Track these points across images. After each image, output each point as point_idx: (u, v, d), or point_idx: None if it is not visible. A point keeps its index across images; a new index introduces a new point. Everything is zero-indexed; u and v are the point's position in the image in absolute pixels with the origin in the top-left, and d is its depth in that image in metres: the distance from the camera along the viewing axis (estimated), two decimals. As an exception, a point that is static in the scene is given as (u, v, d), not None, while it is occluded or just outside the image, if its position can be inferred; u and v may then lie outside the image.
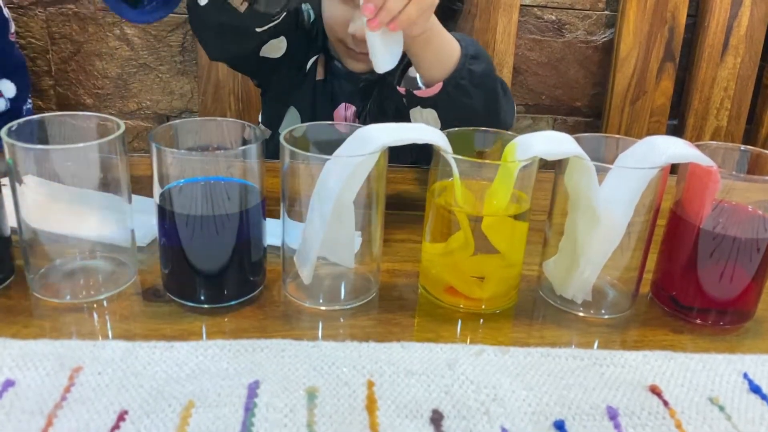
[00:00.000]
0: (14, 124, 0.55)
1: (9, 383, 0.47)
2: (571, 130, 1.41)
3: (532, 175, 0.58)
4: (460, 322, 0.60)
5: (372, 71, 1.02)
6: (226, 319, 0.58)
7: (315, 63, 1.01)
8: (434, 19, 0.73)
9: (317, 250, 0.56)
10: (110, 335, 0.54)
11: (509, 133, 0.60)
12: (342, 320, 0.59)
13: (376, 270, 0.62)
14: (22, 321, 0.56)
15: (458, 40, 0.73)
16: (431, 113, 0.77)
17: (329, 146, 0.57)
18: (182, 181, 0.56)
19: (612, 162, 0.58)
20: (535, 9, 1.31)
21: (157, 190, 0.57)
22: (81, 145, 0.55)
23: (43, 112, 1.26)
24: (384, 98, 0.95)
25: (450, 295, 0.61)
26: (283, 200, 0.59)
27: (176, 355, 0.51)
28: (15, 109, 1.07)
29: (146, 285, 0.62)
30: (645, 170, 0.56)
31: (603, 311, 0.62)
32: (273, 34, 0.86)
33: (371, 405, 0.47)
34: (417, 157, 0.96)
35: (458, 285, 0.60)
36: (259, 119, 1.09)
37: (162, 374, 0.49)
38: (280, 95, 1.01)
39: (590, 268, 0.59)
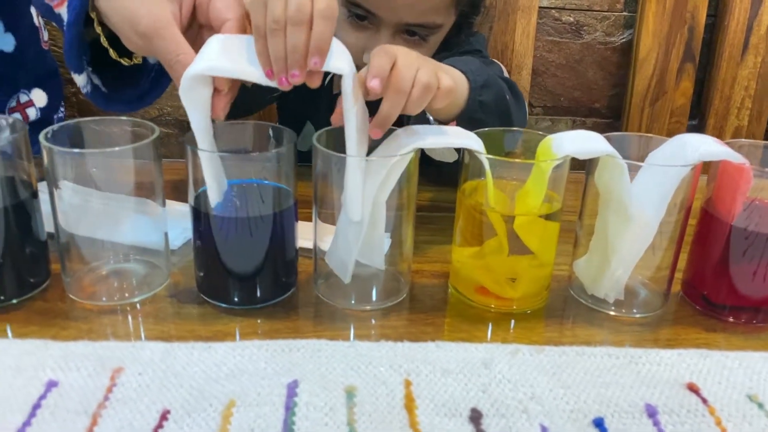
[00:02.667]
0: (51, 129, 0.56)
1: (52, 384, 0.48)
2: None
3: (564, 175, 0.58)
4: (492, 322, 0.60)
5: None
6: (258, 321, 0.58)
7: (331, 77, 1.01)
8: (440, 66, 0.63)
9: (356, 251, 0.57)
10: (147, 337, 0.55)
11: (539, 132, 0.60)
12: (374, 321, 0.59)
13: (406, 271, 0.63)
14: (59, 323, 0.57)
15: (464, 72, 0.67)
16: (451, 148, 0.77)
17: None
18: (217, 183, 0.57)
19: (641, 160, 0.58)
20: (553, 11, 1.31)
21: (191, 192, 0.57)
22: (116, 149, 0.56)
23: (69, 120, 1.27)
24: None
25: (481, 295, 0.61)
26: (315, 202, 0.60)
27: (214, 355, 0.51)
28: (46, 118, 1.07)
29: (179, 287, 0.63)
30: (677, 168, 0.56)
31: (634, 310, 0.62)
32: None
33: (410, 404, 0.47)
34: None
35: (490, 285, 0.60)
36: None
37: (201, 374, 0.49)
38: (297, 111, 1.01)
39: (622, 268, 0.59)
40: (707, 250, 0.62)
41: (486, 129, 0.61)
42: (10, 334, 0.54)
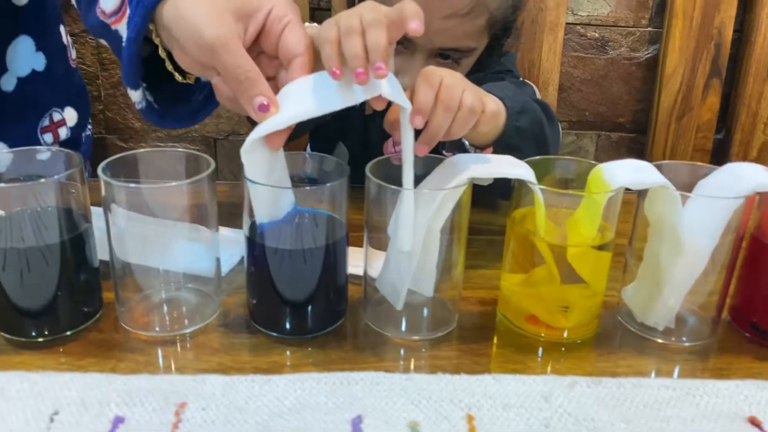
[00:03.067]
0: (108, 161, 0.57)
1: (119, 420, 0.48)
2: (614, 146, 1.41)
3: (617, 206, 0.58)
4: (543, 351, 0.60)
5: None
6: (311, 350, 0.59)
7: None
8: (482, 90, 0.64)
9: (409, 279, 0.57)
10: (206, 369, 0.55)
11: (591, 162, 0.60)
12: (424, 350, 0.60)
13: (456, 298, 0.63)
14: (116, 355, 0.57)
15: (501, 98, 0.67)
16: None
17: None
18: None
19: (688, 189, 0.59)
20: (579, 27, 1.31)
21: (246, 221, 0.58)
22: (173, 183, 0.56)
23: (94, 137, 1.28)
24: None
25: (532, 324, 0.61)
26: (367, 230, 0.60)
27: (275, 388, 0.52)
28: (75, 137, 1.07)
29: (229, 316, 0.63)
30: (731, 200, 0.56)
31: (684, 338, 0.62)
32: None
33: (474, 439, 0.48)
34: None
35: (542, 314, 0.61)
36: (307, 151, 1.09)
37: (264, 409, 0.50)
38: (329, 132, 1.01)
39: (674, 296, 0.60)
40: (757, 277, 0.62)
41: (536, 158, 0.61)
42: (69, 366, 0.55)
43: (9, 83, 0.94)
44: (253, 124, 0.55)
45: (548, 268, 0.59)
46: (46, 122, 1.03)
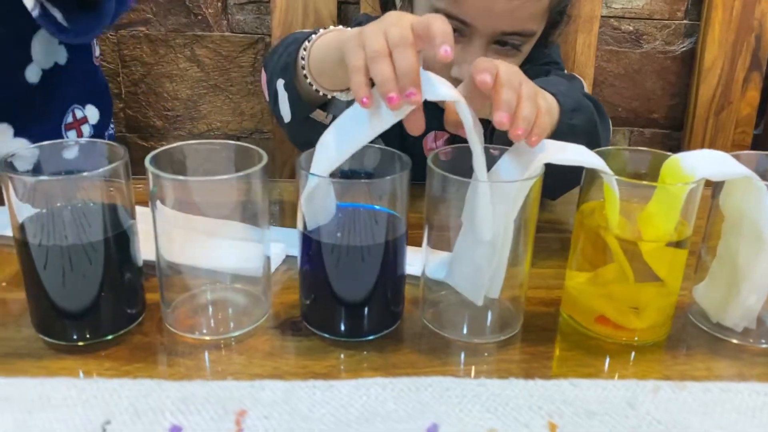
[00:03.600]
0: (154, 153, 0.53)
1: (176, 429, 0.45)
2: (648, 142, 1.37)
3: (697, 199, 0.55)
4: (616, 354, 0.56)
5: None
6: (368, 353, 0.55)
7: None
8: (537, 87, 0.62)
9: (489, 272, 0.54)
10: (261, 374, 0.52)
11: (665, 153, 0.57)
12: (487, 354, 0.56)
13: (522, 299, 0.59)
14: (163, 359, 0.54)
15: (554, 94, 0.64)
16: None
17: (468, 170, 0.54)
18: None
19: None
20: (612, 20, 1.27)
21: (301, 216, 0.54)
22: (224, 177, 0.53)
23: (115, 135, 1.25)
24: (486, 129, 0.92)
25: (601, 325, 0.58)
26: (428, 227, 0.57)
27: (338, 395, 0.48)
28: (98, 135, 1.05)
29: (279, 318, 0.59)
30: (820, 190, 0.53)
31: (763, 340, 0.58)
32: None
33: (560, 449, 0.44)
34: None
35: (613, 315, 0.57)
36: None
37: (330, 417, 0.46)
38: None
39: (755, 295, 0.56)
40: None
41: (602, 148, 0.58)
42: (116, 372, 0.51)
43: (34, 74, 0.93)
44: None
45: (619, 266, 0.55)
46: (69, 119, 1.01)
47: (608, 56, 1.30)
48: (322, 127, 0.70)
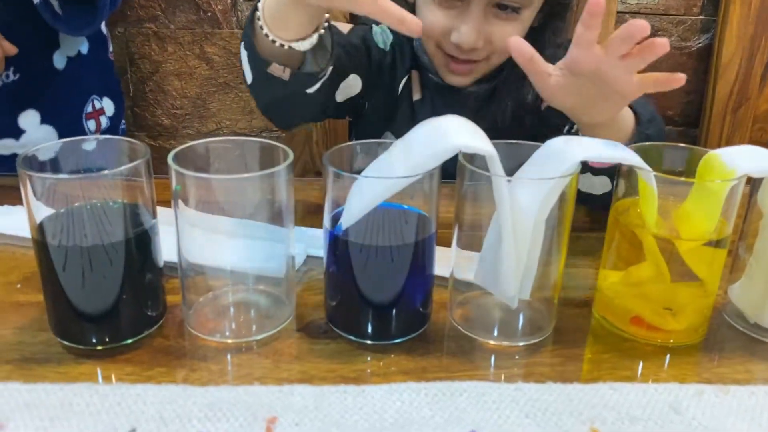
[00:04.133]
0: (177, 150, 0.52)
1: (205, 437, 0.43)
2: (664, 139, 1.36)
3: (738, 196, 0.53)
4: (652, 357, 0.54)
5: (479, 83, 0.97)
6: (396, 356, 0.54)
7: (408, 81, 0.95)
8: None
9: (521, 272, 0.52)
10: (289, 379, 0.50)
11: (704, 149, 0.55)
12: (518, 357, 0.54)
13: (554, 301, 0.57)
14: (186, 364, 0.52)
15: (631, 104, 0.65)
16: (602, 180, 0.72)
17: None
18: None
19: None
20: (628, 15, 1.26)
21: (328, 216, 0.53)
22: (249, 175, 0.51)
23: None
24: (500, 116, 0.90)
25: (636, 326, 0.56)
26: (458, 226, 0.55)
27: (370, 401, 0.47)
28: (113, 128, 1.06)
29: (303, 320, 0.58)
30: None
31: (802, 341, 0.57)
32: (335, 81, 0.81)
33: (604, 457, 0.42)
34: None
35: (649, 316, 0.55)
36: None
37: (364, 423, 0.44)
38: (375, 121, 0.96)
39: (796, 295, 0.54)
40: None
41: (644, 144, 0.56)
42: (138, 377, 0.50)
43: (60, 61, 0.97)
44: None
45: (654, 265, 0.54)
46: (89, 108, 1.03)
47: (623, 52, 1.29)
48: (282, 84, 0.70)
